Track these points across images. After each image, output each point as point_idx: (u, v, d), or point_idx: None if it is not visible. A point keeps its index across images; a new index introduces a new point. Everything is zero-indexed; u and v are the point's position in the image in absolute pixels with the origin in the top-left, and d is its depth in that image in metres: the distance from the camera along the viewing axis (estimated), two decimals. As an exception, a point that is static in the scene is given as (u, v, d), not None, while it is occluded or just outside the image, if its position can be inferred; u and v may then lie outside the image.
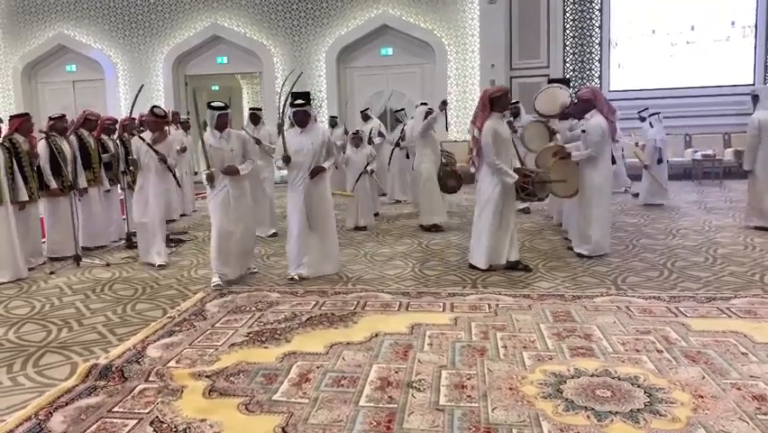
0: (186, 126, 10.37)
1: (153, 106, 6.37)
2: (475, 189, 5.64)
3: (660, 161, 8.92)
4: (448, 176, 7.50)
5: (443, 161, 7.61)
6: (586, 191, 5.79)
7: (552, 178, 5.65)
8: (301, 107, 5.32)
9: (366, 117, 10.74)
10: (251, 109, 8.06)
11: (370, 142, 9.05)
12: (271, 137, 7.51)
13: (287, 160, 5.25)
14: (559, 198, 6.35)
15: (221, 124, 5.26)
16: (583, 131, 5.85)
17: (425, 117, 7.50)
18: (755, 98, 6.95)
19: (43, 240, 6.55)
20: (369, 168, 7.91)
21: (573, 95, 6.80)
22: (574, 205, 6.03)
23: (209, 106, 5.25)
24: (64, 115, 6.73)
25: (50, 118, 6.59)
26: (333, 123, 10.95)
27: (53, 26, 14.13)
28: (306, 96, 5.46)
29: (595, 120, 5.70)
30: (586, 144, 5.77)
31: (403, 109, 10.54)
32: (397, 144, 9.62)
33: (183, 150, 9.56)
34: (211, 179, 5.12)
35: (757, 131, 6.72)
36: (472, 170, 5.60)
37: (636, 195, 9.57)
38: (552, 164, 5.93)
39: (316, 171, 5.31)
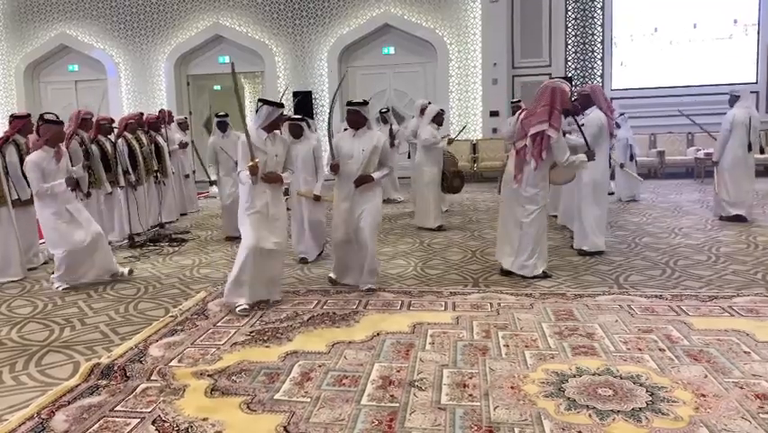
0: (184, 126, 10.38)
1: (43, 113, 5.46)
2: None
3: (632, 157, 9.51)
4: (454, 176, 7.51)
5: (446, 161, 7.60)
6: (583, 187, 5.82)
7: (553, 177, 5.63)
8: (356, 106, 4.80)
9: (384, 120, 9.83)
10: (217, 116, 7.55)
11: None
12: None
13: (335, 168, 4.77)
14: (557, 184, 6.30)
15: (273, 125, 4.53)
16: (582, 124, 5.84)
17: (435, 118, 7.44)
18: (736, 98, 7.39)
19: (41, 240, 6.52)
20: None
21: (573, 92, 6.79)
22: (574, 202, 6.05)
23: (263, 102, 4.53)
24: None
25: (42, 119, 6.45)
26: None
27: (55, 26, 14.14)
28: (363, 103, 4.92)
29: (594, 114, 5.76)
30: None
31: (389, 110, 10.23)
32: (392, 145, 9.16)
33: (184, 145, 9.57)
34: (254, 171, 4.33)
35: (730, 125, 7.21)
36: (533, 166, 4.91)
37: (611, 193, 9.65)
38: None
39: (362, 180, 4.73)
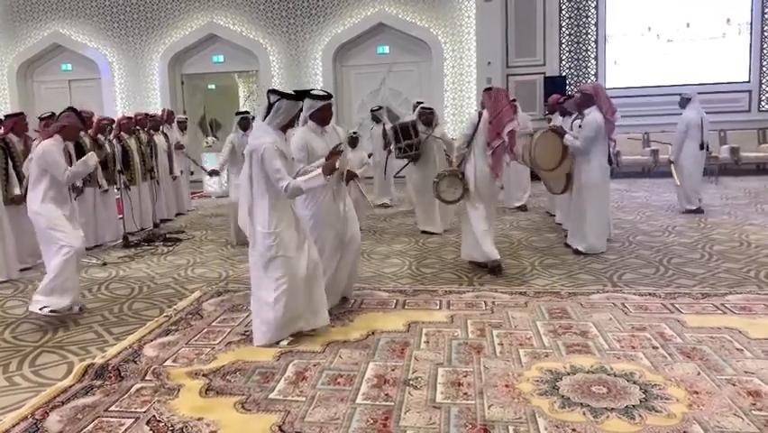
0: (183, 126, 10.37)
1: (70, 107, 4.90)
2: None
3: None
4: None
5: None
6: (581, 189, 5.80)
7: (536, 152, 5.95)
8: (329, 100, 4.16)
9: (377, 119, 9.57)
10: (238, 113, 7.25)
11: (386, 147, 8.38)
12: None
13: (332, 168, 3.93)
14: (556, 193, 6.50)
15: (325, 117, 4.10)
16: (580, 126, 5.86)
17: (420, 118, 7.40)
18: (687, 100, 7.89)
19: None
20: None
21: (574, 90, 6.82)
22: (573, 203, 6.04)
23: (309, 95, 4.06)
24: (54, 114, 6.65)
25: (41, 119, 6.46)
26: None
27: (49, 25, 14.07)
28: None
29: (592, 116, 5.66)
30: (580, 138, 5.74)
31: (380, 108, 9.86)
32: (386, 145, 8.55)
33: (180, 147, 9.56)
34: (351, 175, 4.15)
35: (685, 127, 7.75)
36: (508, 160, 5.48)
37: None
38: (538, 136, 6.07)
39: (351, 176, 4.37)
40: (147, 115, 8.74)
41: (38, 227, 4.42)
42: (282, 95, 3.70)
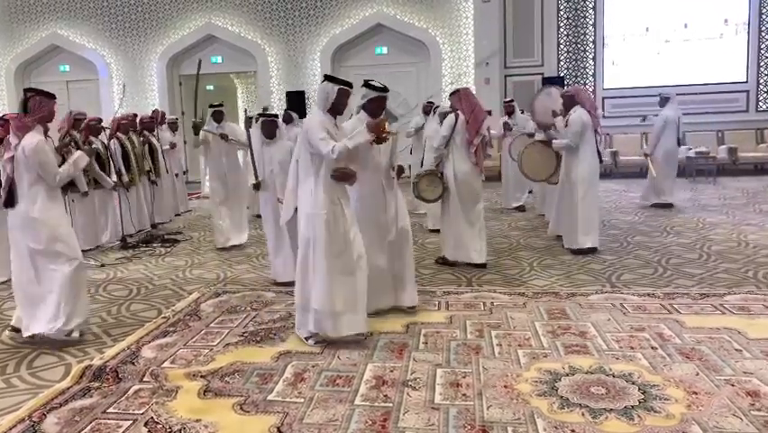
0: (174, 127, 10.34)
1: (28, 88, 4.36)
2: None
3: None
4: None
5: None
6: (571, 185, 5.93)
7: (524, 162, 6.49)
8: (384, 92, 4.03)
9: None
10: (212, 106, 6.91)
11: None
12: (235, 133, 6.79)
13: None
14: (530, 179, 7.08)
15: (377, 109, 3.97)
16: (566, 125, 6.05)
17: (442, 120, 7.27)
18: (666, 99, 8.42)
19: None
20: None
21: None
22: (565, 201, 6.11)
23: (367, 85, 3.97)
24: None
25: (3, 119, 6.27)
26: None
27: (46, 26, 14.05)
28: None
29: (577, 113, 5.92)
30: (567, 136, 5.99)
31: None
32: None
33: (173, 146, 9.53)
34: (401, 171, 4.11)
35: (663, 123, 8.26)
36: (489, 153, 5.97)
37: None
38: (529, 144, 6.63)
39: (400, 171, 4.25)
40: (135, 115, 8.69)
41: (36, 239, 3.81)
42: (326, 77, 3.77)
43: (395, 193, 4.20)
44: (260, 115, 5.47)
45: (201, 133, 6.75)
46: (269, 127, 5.19)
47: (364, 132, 3.63)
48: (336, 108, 3.75)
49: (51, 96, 4.04)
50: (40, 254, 3.85)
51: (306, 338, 3.72)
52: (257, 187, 5.34)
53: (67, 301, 3.84)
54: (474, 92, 12.19)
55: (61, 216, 4.01)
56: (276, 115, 5.51)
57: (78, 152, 4.24)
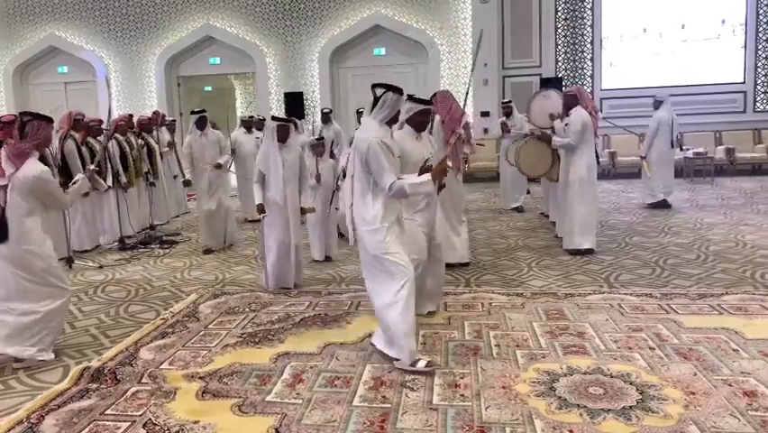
0: (172, 128, 10.32)
1: (24, 112, 4.04)
2: (469, 189, 5.67)
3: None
4: None
5: None
6: (569, 186, 5.94)
7: (520, 159, 6.55)
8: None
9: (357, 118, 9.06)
10: (193, 112, 6.83)
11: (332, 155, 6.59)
12: (219, 141, 6.80)
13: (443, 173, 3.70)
14: (527, 176, 7.29)
15: (423, 123, 3.92)
16: (566, 125, 6.06)
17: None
18: (660, 102, 8.54)
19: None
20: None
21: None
22: (563, 201, 6.14)
23: (411, 98, 3.81)
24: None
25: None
26: (325, 119, 9.28)
27: (44, 27, 14.03)
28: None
29: (577, 113, 5.92)
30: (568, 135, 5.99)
31: (331, 110, 9.54)
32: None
33: (169, 145, 9.52)
34: (442, 174, 3.63)
35: (657, 124, 8.37)
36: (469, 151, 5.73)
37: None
38: (526, 141, 6.67)
39: (441, 187, 3.82)
40: (131, 116, 8.68)
41: (29, 270, 3.59)
42: (388, 87, 3.47)
43: (434, 213, 4.09)
44: (273, 118, 5.45)
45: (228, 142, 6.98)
46: (283, 131, 5.14)
47: (430, 183, 3.39)
48: (396, 119, 3.60)
49: (49, 121, 3.83)
50: (29, 283, 3.61)
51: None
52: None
53: (50, 331, 3.69)
54: (472, 92, 12.22)
55: (52, 247, 3.77)
56: (289, 120, 5.48)
57: (80, 176, 4.17)
